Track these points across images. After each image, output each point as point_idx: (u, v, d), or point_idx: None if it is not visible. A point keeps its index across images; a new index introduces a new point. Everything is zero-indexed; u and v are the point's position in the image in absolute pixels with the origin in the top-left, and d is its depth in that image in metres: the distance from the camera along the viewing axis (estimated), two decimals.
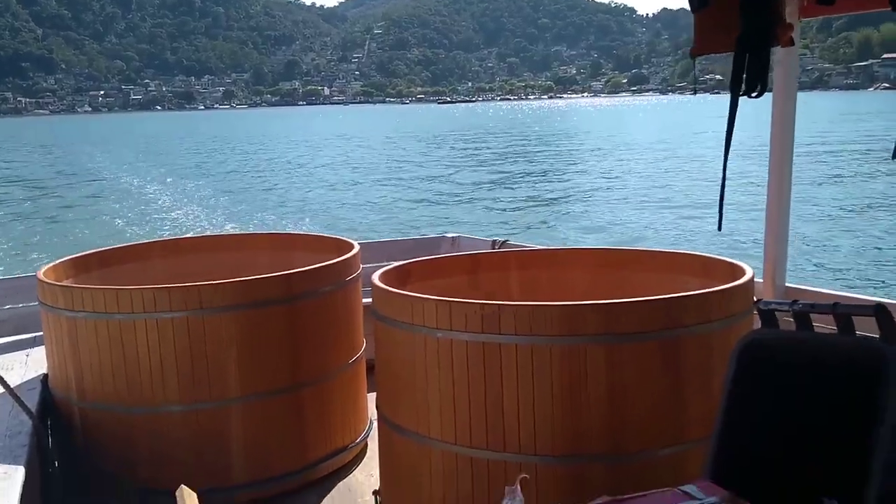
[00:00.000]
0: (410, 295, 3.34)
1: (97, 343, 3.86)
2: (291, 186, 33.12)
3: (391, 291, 3.43)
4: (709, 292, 3.18)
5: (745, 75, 2.33)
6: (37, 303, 4.25)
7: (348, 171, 38.52)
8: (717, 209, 2.76)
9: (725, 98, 2.41)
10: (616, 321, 3.02)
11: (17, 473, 3.30)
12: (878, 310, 2.01)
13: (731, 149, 2.51)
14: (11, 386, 3.97)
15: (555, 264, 4.39)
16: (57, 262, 4.54)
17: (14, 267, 16.34)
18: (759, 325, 2.45)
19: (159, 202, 27.37)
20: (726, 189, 2.60)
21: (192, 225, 22.09)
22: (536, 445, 3.07)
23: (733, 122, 2.39)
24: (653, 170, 34.86)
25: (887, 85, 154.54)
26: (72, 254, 4.82)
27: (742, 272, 3.46)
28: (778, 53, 3.98)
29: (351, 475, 4.31)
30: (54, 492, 3.94)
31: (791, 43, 2.59)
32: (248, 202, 27.52)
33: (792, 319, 2.33)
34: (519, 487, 1.98)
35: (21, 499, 3.10)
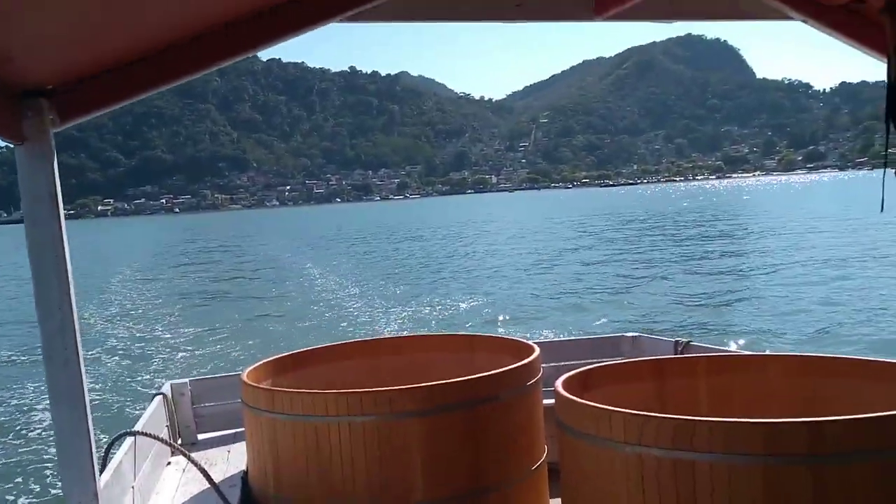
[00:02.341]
0: (597, 406, 3.29)
1: (294, 443, 4.06)
2: (460, 275, 33.81)
3: (576, 402, 3.39)
4: None
5: None
6: (236, 401, 4.54)
7: (515, 263, 38.76)
8: None
9: None
10: (824, 440, 2.82)
11: None
12: None
13: None
14: (216, 481, 4.24)
15: (748, 371, 4.17)
16: (258, 364, 4.87)
17: (210, 365, 17.44)
18: None
19: (341, 299, 28.58)
20: None
21: (368, 321, 22.84)
22: None
23: None
24: (846, 255, 32.21)
25: None
26: (263, 353, 5.16)
27: None
28: None
29: None
30: None
31: None
32: (432, 298, 28.02)
33: None
34: None
35: None
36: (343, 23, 3.62)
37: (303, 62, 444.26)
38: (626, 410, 3.18)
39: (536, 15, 4.00)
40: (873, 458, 2.81)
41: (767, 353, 4.41)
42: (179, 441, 5.48)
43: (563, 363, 4.12)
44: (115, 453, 4.17)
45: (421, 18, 3.98)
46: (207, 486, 4.30)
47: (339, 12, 3.53)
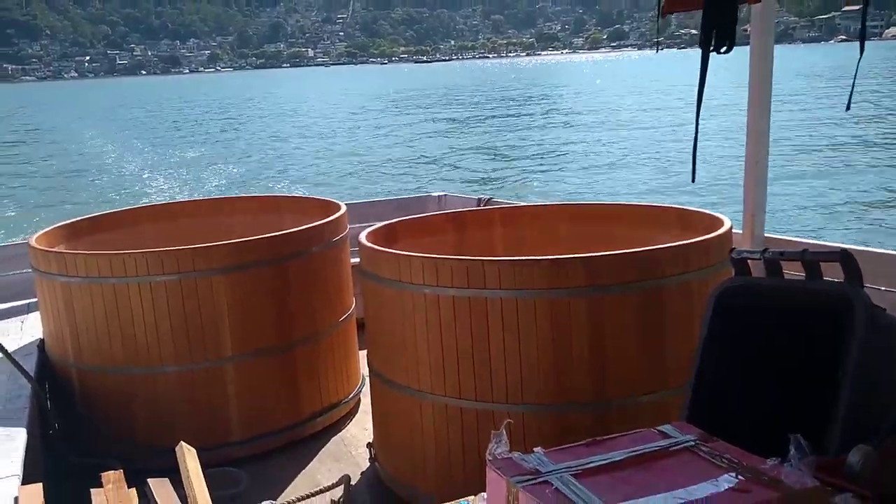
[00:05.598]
0: (397, 253, 3.42)
1: (92, 307, 3.93)
2: (279, 151, 33.11)
3: (378, 250, 3.50)
4: (687, 243, 3.27)
5: (713, 31, 2.39)
6: (29, 270, 4.31)
7: (331, 135, 38.45)
8: (699, 162, 2.83)
9: (695, 53, 2.48)
10: (597, 273, 3.10)
11: (19, 436, 3.39)
12: (843, 255, 2.10)
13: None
14: (9, 351, 4.04)
15: (538, 219, 4.48)
16: (48, 228, 4.59)
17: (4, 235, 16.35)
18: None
19: (145, 170, 27.36)
20: (701, 142, 2.67)
21: (180, 192, 22.09)
22: (523, 395, 3.17)
23: (705, 77, 2.45)
24: (631, 125, 35.04)
25: (844, 37, 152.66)
26: (61, 221, 4.87)
27: (720, 223, 3.55)
28: (754, 7, 4.02)
29: (345, 429, 4.43)
30: (56, 452, 4.04)
31: (757, 0, 2.65)
32: (236, 167, 27.51)
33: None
34: (505, 432, 2.06)
35: (24, 460, 3.19)
36: None
37: None
38: (424, 255, 3.33)
39: None
40: (637, 287, 3.13)
41: (553, 202, 4.72)
42: None
43: (371, 223, 4.19)
44: None
45: None
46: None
47: None
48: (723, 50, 2.40)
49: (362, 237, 3.72)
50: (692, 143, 2.60)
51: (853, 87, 2.70)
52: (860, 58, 2.54)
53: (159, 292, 3.86)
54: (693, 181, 2.74)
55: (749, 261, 2.45)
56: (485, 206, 5.67)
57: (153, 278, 3.84)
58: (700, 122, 2.55)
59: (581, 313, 3.11)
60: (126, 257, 3.85)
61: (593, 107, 46.23)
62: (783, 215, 15.59)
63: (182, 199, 5.95)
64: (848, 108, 2.76)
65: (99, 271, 3.87)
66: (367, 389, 4.62)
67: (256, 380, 4.10)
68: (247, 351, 4.04)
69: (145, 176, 26.08)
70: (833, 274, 2.20)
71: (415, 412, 3.45)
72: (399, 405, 3.53)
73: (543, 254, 3.30)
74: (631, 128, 33.71)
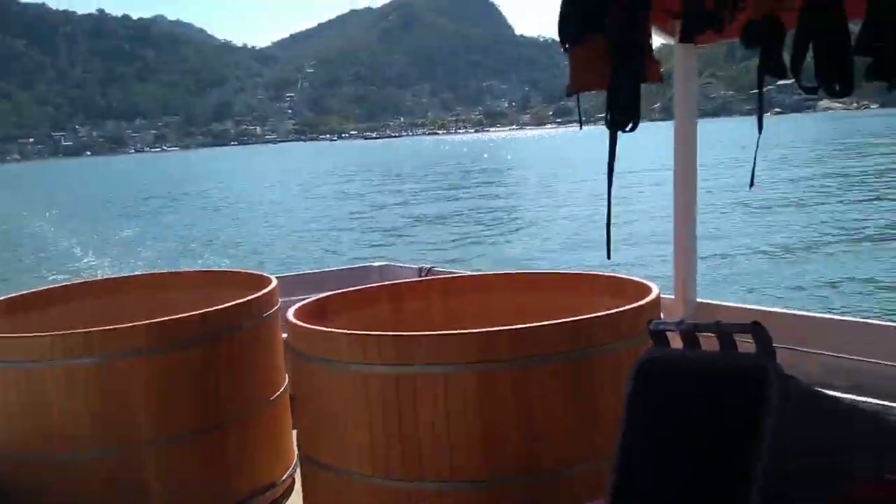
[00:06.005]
0: (322, 330, 3.35)
1: (5, 391, 3.74)
2: (217, 226, 33.07)
3: (304, 327, 3.42)
4: (615, 312, 3.26)
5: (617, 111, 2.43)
6: None
7: (272, 209, 38.68)
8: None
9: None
10: (524, 345, 3.06)
11: None
12: (754, 327, 2.09)
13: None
14: None
15: (476, 289, 4.43)
16: None
17: None
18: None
19: (76, 247, 26.94)
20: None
21: (111, 268, 21.69)
22: (453, 472, 3.07)
23: (613, 155, 2.49)
24: (568, 198, 35.93)
25: (779, 110, 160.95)
26: None
27: (649, 290, 3.56)
28: (677, 79, 4.14)
29: None
30: None
31: (660, 79, 2.71)
32: (169, 244, 27.27)
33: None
34: None
35: None
36: None
37: (43, 3, 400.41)
38: (349, 331, 3.26)
39: None
40: (565, 357, 3.09)
41: (489, 272, 4.70)
42: None
43: (310, 295, 4.10)
44: None
45: None
46: None
47: None
48: (628, 128, 2.43)
49: (289, 314, 3.62)
50: (606, 218, 2.61)
51: (755, 164, 2.72)
52: (759, 136, 2.58)
53: (76, 375, 3.69)
54: (609, 258, 2.74)
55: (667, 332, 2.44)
56: (426, 275, 5.62)
57: (69, 361, 3.67)
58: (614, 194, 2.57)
59: (509, 386, 3.06)
60: (41, 339, 3.69)
61: (534, 179, 47.35)
62: (717, 277, 15.96)
63: (112, 276, 5.77)
64: (751, 185, 2.80)
65: (13, 354, 3.69)
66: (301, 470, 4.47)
67: (180, 464, 3.90)
68: (170, 434, 3.86)
69: (77, 253, 25.59)
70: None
71: (345, 494, 3.31)
72: (329, 487, 3.40)
73: (482, 325, 3.25)
74: (568, 202, 34.66)
